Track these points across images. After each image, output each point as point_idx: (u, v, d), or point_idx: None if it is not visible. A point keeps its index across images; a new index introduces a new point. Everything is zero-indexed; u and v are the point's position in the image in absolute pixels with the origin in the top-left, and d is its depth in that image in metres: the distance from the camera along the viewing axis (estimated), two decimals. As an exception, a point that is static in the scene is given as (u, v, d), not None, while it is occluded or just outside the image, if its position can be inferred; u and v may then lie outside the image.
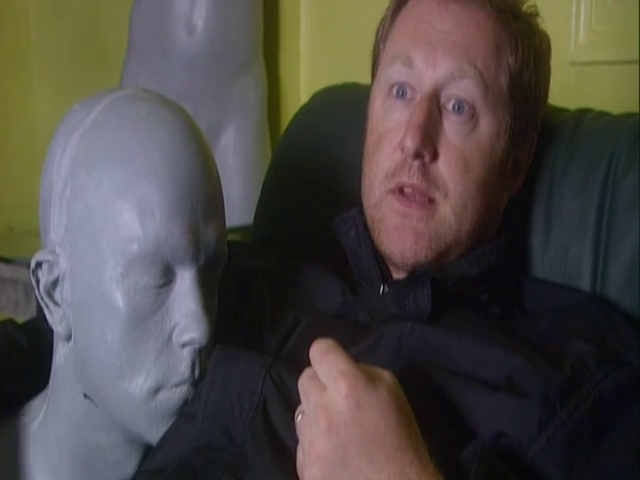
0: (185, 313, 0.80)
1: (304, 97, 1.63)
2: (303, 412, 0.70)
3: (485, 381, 0.78)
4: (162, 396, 0.81)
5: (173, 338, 0.81)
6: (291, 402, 0.76)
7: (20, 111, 2.10)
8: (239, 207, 1.67)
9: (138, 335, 0.80)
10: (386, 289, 0.91)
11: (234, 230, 1.66)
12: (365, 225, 0.94)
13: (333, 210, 1.00)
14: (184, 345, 0.81)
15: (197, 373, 0.82)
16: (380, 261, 0.93)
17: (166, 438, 0.84)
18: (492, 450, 0.72)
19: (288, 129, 1.29)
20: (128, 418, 0.83)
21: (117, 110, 0.83)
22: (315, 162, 1.19)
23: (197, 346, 0.80)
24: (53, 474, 0.88)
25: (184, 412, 0.83)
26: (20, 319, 1.73)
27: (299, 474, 0.69)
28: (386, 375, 0.70)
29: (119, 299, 0.80)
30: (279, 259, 1.05)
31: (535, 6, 0.96)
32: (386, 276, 0.93)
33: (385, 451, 0.66)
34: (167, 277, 0.80)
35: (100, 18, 2.05)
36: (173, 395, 0.81)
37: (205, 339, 0.80)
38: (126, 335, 0.80)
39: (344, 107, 1.20)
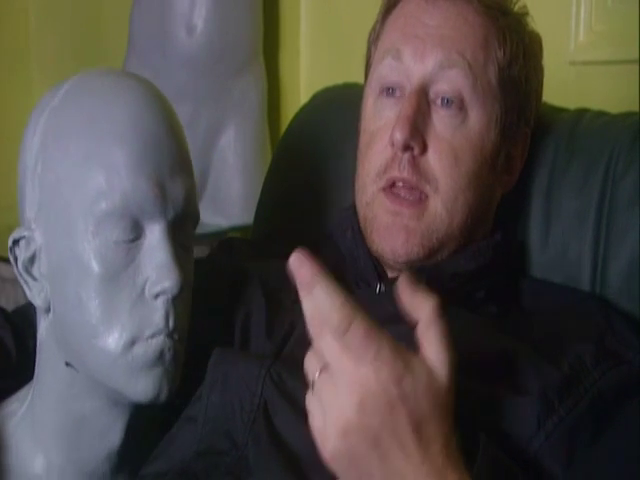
0: (156, 265, 0.81)
1: (304, 97, 1.63)
2: (326, 370, 0.65)
3: (484, 380, 0.78)
4: (138, 349, 0.82)
5: (146, 291, 0.82)
6: (292, 403, 0.76)
7: (20, 111, 2.10)
8: (239, 207, 1.67)
9: (111, 291, 0.81)
10: (382, 288, 0.91)
11: (234, 230, 1.66)
12: (360, 225, 0.95)
13: (333, 210, 1.00)
14: (157, 296, 0.81)
15: (171, 323, 0.82)
16: (376, 261, 0.94)
17: (167, 442, 0.84)
18: (493, 444, 0.72)
19: (288, 129, 1.29)
20: (107, 375, 0.83)
21: (83, 84, 0.86)
22: (315, 162, 1.19)
23: (169, 295, 0.81)
24: (43, 452, 0.89)
25: (185, 415, 0.84)
26: (20, 319, 1.73)
27: (317, 438, 0.66)
28: (438, 367, 0.66)
29: (91, 258, 0.81)
30: (277, 260, 1.04)
31: (525, 7, 0.97)
32: (382, 275, 0.93)
33: (419, 443, 0.64)
34: (137, 232, 0.82)
35: (100, 18, 2.05)
36: (149, 347, 0.82)
37: (177, 287, 0.81)
38: (100, 292, 0.81)
39: (344, 107, 1.20)
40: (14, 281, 1.70)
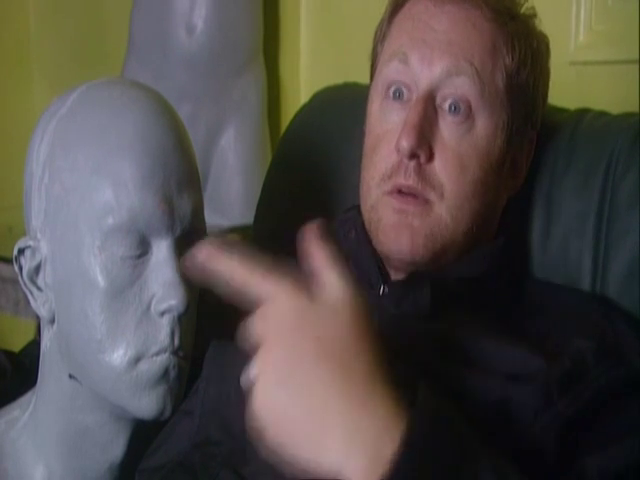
0: (162, 282, 0.81)
1: (304, 97, 1.63)
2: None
3: (485, 371, 0.78)
4: (143, 366, 0.82)
5: (152, 308, 0.82)
6: None
7: (20, 111, 2.10)
8: (239, 207, 1.67)
9: (117, 307, 0.81)
10: (386, 290, 0.91)
11: (234, 230, 1.66)
12: (364, 226, 0.94)
13: (333, 210, 1.00)
14: (163, 313, 0.81)
15: (177, 341, 0.82)
16: (380, 262, 0.93)
17: (164, 436, 0.84)
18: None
19: (288, 129, 1.29)
20: (111, 391, 0.83)
21: (91, 95, 0.86)
22: (315, 162, 1.19)
23: (175, 313, 0.81)
24: (44, 461, 0.89)
25: (182, 409, 0.84)
26: (20, 319, 1.74)
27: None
28: (344, 297, 0.67)
29: (97, 273, 0.81)
30: (278, 258, 1.04)
31: (533, 8, 0.96)
32: (386, 277, 0.93)
33: (336, 370, 0.61)
34: (143, 248, 0.81)
35: (100, 18, 2.05)
36: (154, 364, 0.82)
37: (183, 306, 0.81)
38: (105, 308, 0.81)
39: (344, 107, 1.20)
40: (14, 281, 1.70)
